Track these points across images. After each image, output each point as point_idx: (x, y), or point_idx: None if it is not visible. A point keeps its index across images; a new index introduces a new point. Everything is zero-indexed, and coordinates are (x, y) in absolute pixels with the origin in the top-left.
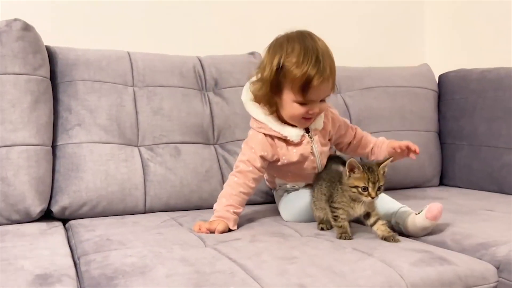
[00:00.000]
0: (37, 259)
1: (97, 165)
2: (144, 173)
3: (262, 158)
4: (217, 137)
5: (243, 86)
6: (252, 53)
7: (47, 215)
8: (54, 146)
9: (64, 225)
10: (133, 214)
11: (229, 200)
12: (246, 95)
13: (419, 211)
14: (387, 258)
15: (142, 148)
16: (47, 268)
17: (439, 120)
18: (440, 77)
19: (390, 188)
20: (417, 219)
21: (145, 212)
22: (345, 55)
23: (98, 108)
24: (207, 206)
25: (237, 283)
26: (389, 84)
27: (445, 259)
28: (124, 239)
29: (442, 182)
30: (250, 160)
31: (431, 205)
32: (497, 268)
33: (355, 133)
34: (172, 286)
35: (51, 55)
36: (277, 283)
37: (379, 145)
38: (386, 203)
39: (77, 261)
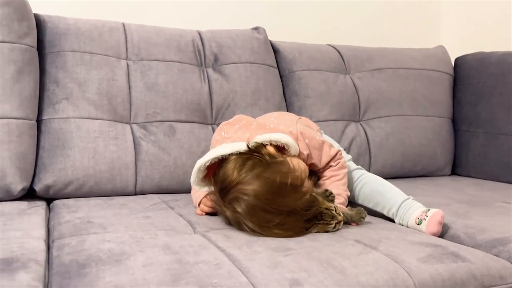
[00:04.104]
0: (6, 241)
1: (85, 142)
2: (135, 152)
3: None
4: (215, 116)
5: (245, 62)
6: (256, 28)
7: (31, 194)
8: (39, 121)
9: (49, 205)
10: (123, 195)
11: None
12: None
13: (418, 220)
14: (393, 252)
15: (134, 126)
16: (14, 252)
17: (453, 105)
18: (456, 60)
19: (398, 176)
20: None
21: (135, 194)
22: (356, 34)
23: (88, 82)
24: None
25: (222, 276)
26: (401, 66)
27: (458, 255)
28: (106, 222)
29: (454, 171)
30: None
31: (430, 218)
32: None
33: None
34: (148, 277)
35: (40, 24)
36: (267, 277)
37: None
38: (386, 193)
39: (51, 245)
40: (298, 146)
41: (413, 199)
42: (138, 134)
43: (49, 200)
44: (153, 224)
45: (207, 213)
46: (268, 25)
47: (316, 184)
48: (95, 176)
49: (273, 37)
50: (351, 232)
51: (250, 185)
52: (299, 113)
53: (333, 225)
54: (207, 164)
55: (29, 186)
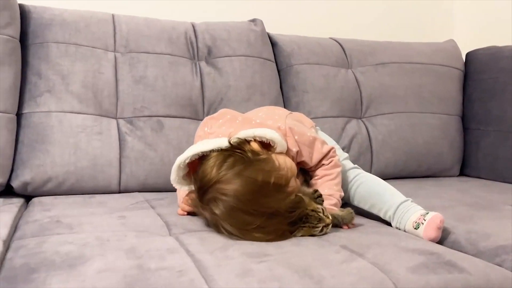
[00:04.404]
0: None
1: (66, 137)
2: (120, 148)
3: None
4: (207, 111)
5: (240, 55)
6: (253, 20)
7: (9, 191)
8: (19, 114)
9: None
10: (106, 193)
11: None
12: None
13: (416, 224)
14: (381, 260)
15: (120, 121)
16: None
17: (463, 102)
18: (467, 55)
19: (402, 176)
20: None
21: (119, 192)
22: (364, 30)
23: (71, 74)
24: None
25: (182, 284)
26: (407, 60)
27: (455, 264)
28: (75, 222)
29: (462, 172)
30: None
31: (428, 222)
32: None
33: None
34: (99, 285)
35: (24, 14)
36: (232, 286)
37: None
38: (383, 195)
39: (10, 245)
40: (287, 142)
41: (412, 201)
42: (124, 130)
43: (28, 198)
44: (125, 225)
45: (189, 213)
46: (269, 18)
47: (307, 184)
48: (76, 173)
49: (273, 30)
50: (340, 236)
51: (230, 184)
52: (296, 108)
53: (320, 228)
54: (187, 161)
55: (7, 183)
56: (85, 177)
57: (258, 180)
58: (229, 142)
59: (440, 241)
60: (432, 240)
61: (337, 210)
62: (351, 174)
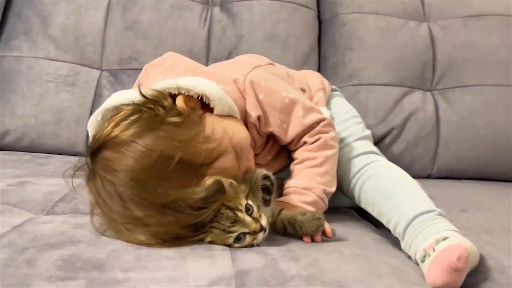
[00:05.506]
0: None
1: (32, 86)
2: (93, 105)
3: None
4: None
5: None
6: None
7: None
8: None
9: None
10: (72, 155)
11: None
12: None
13: (423, 255)
14: None
15: (104, 73)
16: None
17: None
18: None
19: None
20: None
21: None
22: None
23: (53, 15)
24: None
25: None
26: None
27: None
28: None
29: None
30: None
31: (437, 256)
32: None
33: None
34: None
35: None
36: None
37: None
38: (393, 198)
39: None
40: (245, 101)
41: (438, 214)
42: (103, 83)
43: None
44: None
45: None
46: None
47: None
48: (36, 128)
49: None
50: (275, 258)
51: (116, 153)
52: (334, 71)
53: (234, 235)
54: (98, 119)
55: None
56: (46, 133)
57: (154, 152)
58: (142, 94)
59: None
60: (438, 285)
61: (297, 212)
62: (359, 162)
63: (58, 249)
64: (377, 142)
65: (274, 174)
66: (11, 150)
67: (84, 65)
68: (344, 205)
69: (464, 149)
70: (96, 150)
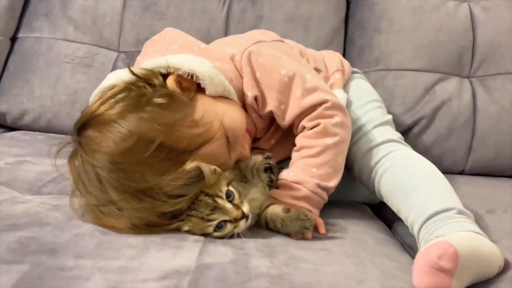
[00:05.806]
0: None
1: (50, 66)
2: None
3: None
4: None
5: None
6: None
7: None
8: (14, 39)
9: None
10: None
11: None
12: None
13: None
14: None
15: (122, 55)
16: None
17: None
18: None
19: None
20: None
21: None
22: None
23: None
24: None
25: None
26: None
27: None
28: None
29: None
30: None
31: (420, 255)
32: None
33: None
34: None
35: None
36: None
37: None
38: (411, 193)
39: None
40: (242, 80)
41: (456, 213)
42: (119, 65)
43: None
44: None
45: None
46: None
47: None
48: (52, 109)
49: None
50: (259, 252)
51: (98, 133)
52: (359, 55)
53: (214, 224)
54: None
55: None
56: (62, 114)
57: (134, 135)
58: (132, 72)
59: None
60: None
61: (280, 208)
62: (378, 152)
63: (20, 231)
64: (403, 132)
65: (280, 162)
66: (29, 130)
67: (102, 47)
68: (359, 200)
69: (503, 143)
70: (81, 127)
